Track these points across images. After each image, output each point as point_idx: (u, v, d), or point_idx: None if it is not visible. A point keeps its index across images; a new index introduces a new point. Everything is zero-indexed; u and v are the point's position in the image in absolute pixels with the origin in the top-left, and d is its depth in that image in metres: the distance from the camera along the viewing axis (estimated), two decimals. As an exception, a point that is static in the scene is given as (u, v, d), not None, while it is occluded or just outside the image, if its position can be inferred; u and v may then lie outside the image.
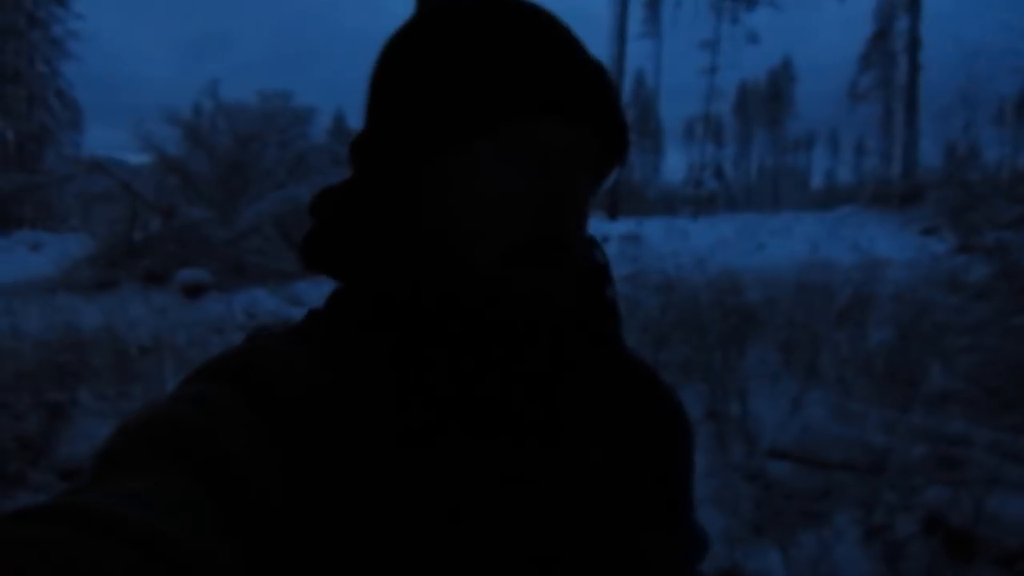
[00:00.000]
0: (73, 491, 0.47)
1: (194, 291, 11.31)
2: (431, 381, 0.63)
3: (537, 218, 0.63)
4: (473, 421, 0.63)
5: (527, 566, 0.60)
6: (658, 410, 0.81)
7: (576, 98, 0.65)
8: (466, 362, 0.64)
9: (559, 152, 0.64)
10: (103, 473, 0.50)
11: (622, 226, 19.29)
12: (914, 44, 30.98)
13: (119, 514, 0.43)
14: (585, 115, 0.66)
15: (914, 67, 30.67)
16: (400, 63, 0.70)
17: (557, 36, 0.67)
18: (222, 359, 0.62)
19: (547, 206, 0.63)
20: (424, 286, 0.66)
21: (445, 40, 0.67)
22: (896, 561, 2.98)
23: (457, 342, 0.64)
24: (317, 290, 10.73)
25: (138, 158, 15.03)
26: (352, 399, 0.60)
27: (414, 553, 0.56)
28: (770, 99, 62.48)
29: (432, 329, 0.64)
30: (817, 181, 73.16)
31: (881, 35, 35.54)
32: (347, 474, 0.56)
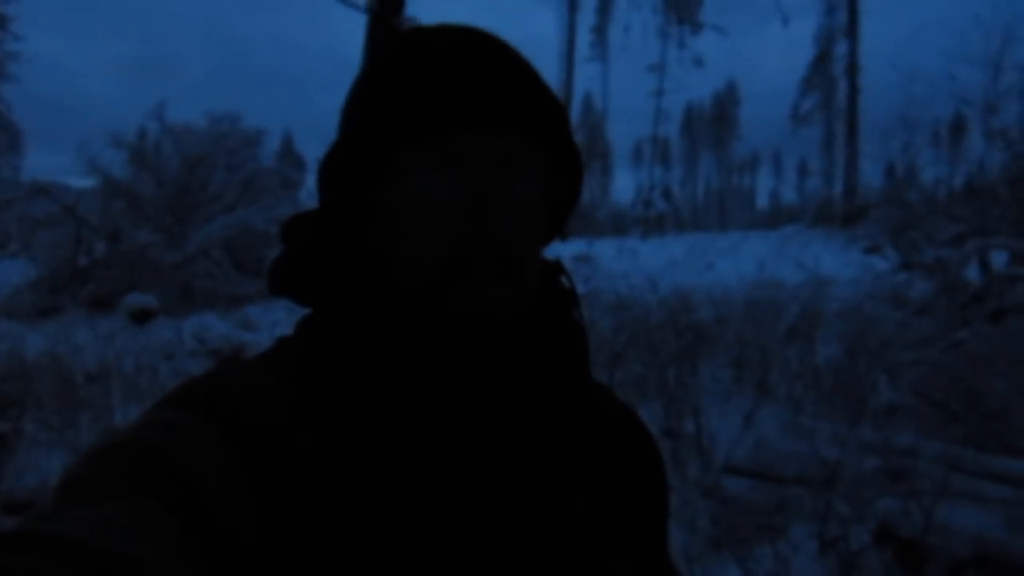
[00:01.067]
0: (40, 518, 0.47)
1: (141, 316, 11.05)
2: (393, 407, 0.63)
3: (465, 227, 0.63)
4: (436, 445, 0.63)
5: None
6: (637, 439, 0.82)
7: (499, 108, 0.65)
8: (423, 385, 0.64)
9: (487, 163, 0.65)
10: (70, 499, 0.49)
11: (573, 247, 19.46)
12: (853, 68, 31.98)
13: (87, 541, 0.43)
14: (511, 124, 0.66)
15: (854, 90, 31.64)
16: (351, 90, 0.72)
17: (486, 54, 0.67)
18: (191, 386, 0.61)
19: (470, 213, 0.63)
20: (376, 306, 0.66)
21: (384, 67, 0.69)
22: (851, 572, 3.04)
23: (411, 363, 0.64)
24: (269, 315, 10.60)
25: (82, 182, 14.71)
26: (320, 426, 0.60)
27: None
28: (716, 121, 63.74)
29: (390, 355, 0.64)
30: (762, 201, 74.91)
31: (822, 59, 36.56)
32: (316, 501, 0.56)
